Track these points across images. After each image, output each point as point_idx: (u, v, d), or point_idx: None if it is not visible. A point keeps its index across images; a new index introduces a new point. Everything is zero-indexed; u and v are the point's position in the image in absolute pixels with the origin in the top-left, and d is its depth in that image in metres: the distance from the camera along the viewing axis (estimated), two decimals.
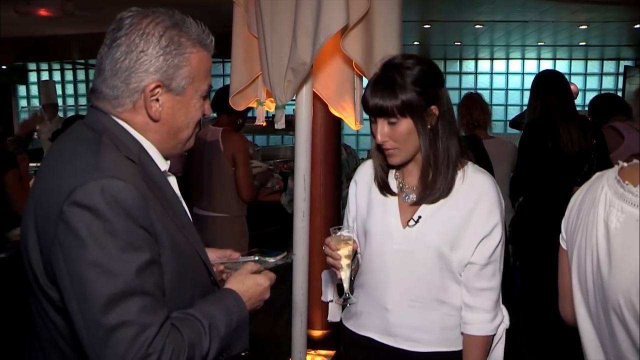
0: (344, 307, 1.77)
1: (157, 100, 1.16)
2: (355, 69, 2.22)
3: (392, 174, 1.68)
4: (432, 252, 1.56)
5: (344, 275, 1.58)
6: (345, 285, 1.60)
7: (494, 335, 1.61)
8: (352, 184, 1.78)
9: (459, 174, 1.59)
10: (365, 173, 1.73)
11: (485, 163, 3.20)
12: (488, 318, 1.58)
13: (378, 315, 1.65)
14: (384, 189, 1.66)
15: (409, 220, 1.59)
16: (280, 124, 2.30)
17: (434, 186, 1.57)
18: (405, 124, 1.52)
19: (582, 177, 2.86)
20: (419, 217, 1.58)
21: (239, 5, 2.31)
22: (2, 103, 11.72)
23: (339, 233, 1.58)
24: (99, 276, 0.99)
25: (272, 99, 2.27)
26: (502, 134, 8.25)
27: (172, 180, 1.28)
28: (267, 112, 2.44)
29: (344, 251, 1.57)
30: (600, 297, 1.15)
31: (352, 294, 1.64)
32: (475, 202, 1.56)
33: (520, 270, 3.62)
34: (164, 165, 1.24)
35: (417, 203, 1.60)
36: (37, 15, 5.11)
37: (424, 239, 1.57)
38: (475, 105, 3.64)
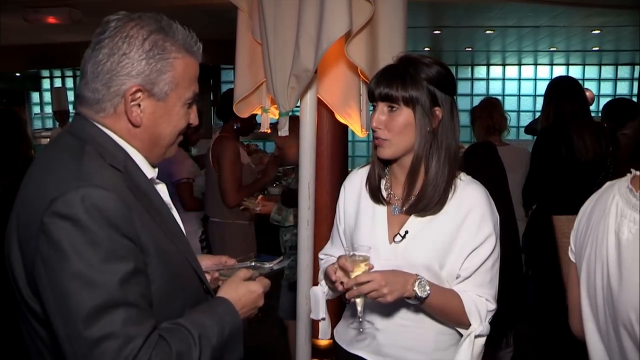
0: (357, 329, 1.62)
1: (139, 105, 1.14)
2: (361, 75, 2.19)
3: (382, 184, 1.63)
4: (419, 269, 1.49)
5: (360, 299, 1.45)
6: (359, 308, 1.46)
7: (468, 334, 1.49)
8: (341, 191, 1.73)
9: (451, 186, 1.53)
10: (355, 181, 1.69)
11: (500, 171, 3.14)
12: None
13: (368, 335, 1.59)
14: (375, 194, 1.60)
15: (396, 235, 1.54)
16: (283, 131, 2.27)
17: (424, 195, 1.51)
18: (406, 115, 1.48)
19: (598, 185, 2.79)
20: (406, 232, 1.53)
21: (243, 11, 2.29)
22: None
23: (351, 252, 1.46)
24: (81, 288, 0.97)
25: (276, 106, 2.25)
26: (515, 140, 8.19)
27: (161, 188, 1.25)
28: (272, 118, 2.41)
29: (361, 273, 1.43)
30: (610, 312, 1.10)
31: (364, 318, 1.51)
32: (465, 215, 1.50)
33: (532, 279, 3.55)
34: (151, 172, 1.21)
35: (407, 213, 1.54)
36: (46, 22, 5.19)
37: (410, 255, 1.51)
38: (496, 108, 3.58)
